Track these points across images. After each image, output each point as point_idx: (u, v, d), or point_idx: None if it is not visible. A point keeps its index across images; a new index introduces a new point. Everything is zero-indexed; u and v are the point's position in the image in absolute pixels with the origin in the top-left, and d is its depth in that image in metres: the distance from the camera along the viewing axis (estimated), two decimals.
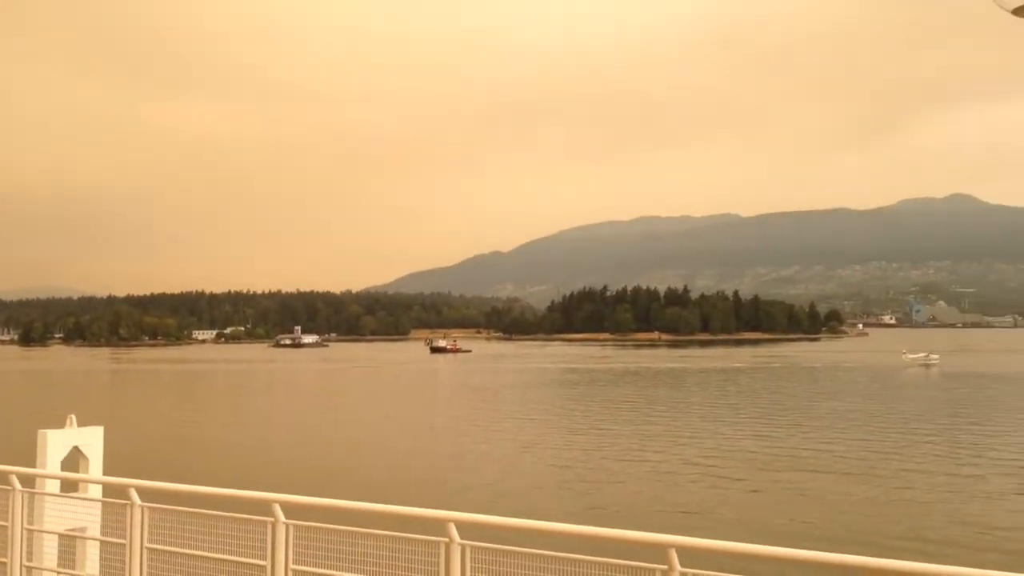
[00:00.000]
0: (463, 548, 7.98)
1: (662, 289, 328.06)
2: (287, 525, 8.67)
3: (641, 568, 7.16)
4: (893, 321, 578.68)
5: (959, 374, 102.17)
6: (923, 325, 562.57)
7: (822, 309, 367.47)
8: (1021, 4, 5.33)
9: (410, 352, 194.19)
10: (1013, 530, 25.04)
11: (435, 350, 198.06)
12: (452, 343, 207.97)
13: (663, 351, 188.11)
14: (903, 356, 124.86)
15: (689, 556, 7.01)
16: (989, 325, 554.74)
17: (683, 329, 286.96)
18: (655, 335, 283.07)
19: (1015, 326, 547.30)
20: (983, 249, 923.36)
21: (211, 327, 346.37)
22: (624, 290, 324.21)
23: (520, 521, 8.07)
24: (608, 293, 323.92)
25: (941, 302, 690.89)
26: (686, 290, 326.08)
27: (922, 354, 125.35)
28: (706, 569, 6.96)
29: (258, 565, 8.87)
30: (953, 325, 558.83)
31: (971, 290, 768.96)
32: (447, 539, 7.98)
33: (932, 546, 22.36)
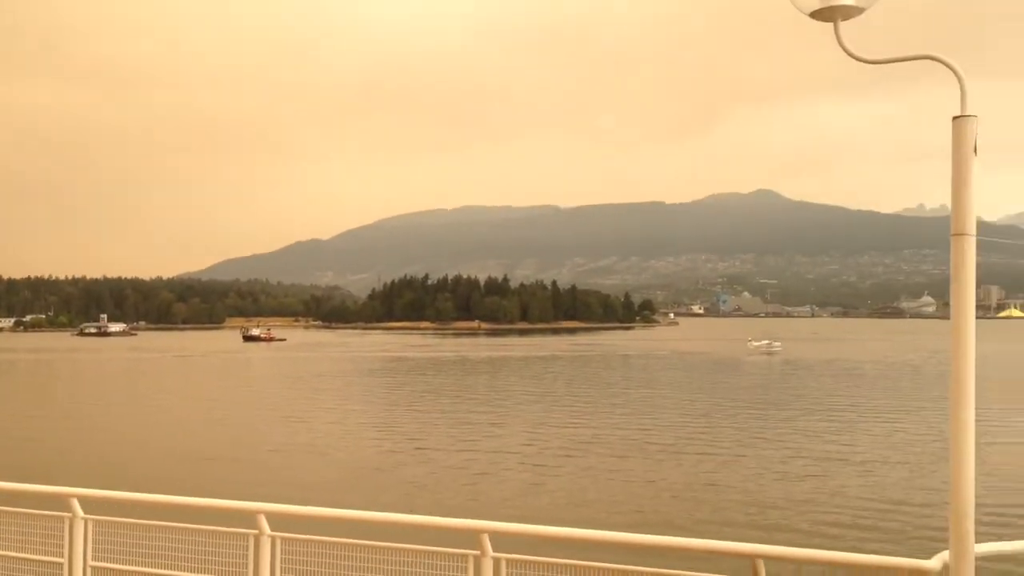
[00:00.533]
0: (273, 540, 7.94)
1: (483, 278, 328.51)
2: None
3: (454, 554, 7.35)
4: (702, 311, 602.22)
5: (797, 360, 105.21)
6: (729, 315, 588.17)
7: (636, 299, 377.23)
8: (818, 7, 5.59)
9: (224, 341, 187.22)
10: (800, 508, 25.55)
11: (248, 339, 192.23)
12: (266, 332, 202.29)
13: (483, 340, 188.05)
14: (748, 344, 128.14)
15: (501, 541, 7.23)
16: (789, 315, 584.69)
17: (503, 318, 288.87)
18: (475, 324, 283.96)
19: (812, 315, 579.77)
20: (785, 243, 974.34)
21: (9, 314, 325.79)
22: (445, 279, 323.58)
23: (333, 511, 8.17)
24: (429, 282, 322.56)
25: (746, 293, 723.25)
26: (506, 279, 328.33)
27: (765, 342, 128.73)
28: (517, 553, 7.03)
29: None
30: (757, 315, 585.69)
31: (773, 281, 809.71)
32: (256, 531, 7.84)
33: (731, 529, 22.57)
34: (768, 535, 21.58)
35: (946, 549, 5.83)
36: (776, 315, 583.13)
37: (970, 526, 5.63)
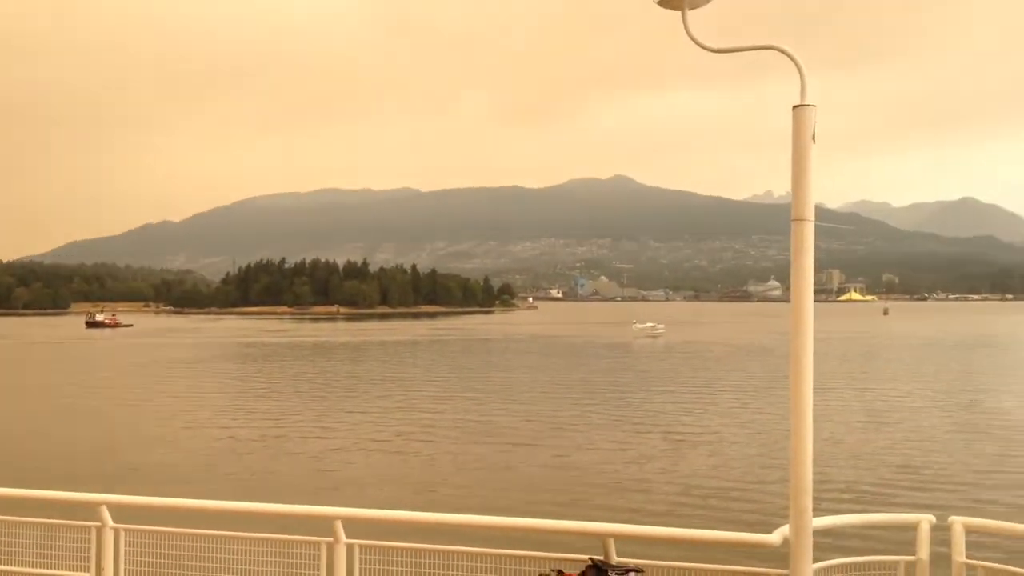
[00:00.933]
0: (116, 532, 7.74)
1: (341, 262, 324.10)
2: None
3: (307, 542, 7.34)
4: (560, 295, 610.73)
5: (680, 343, 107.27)
6: (587, 299, 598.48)
7: (496, 283, 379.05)
8: None
9: (68, 327, 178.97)
10: (652, 488, 26.07)
11: (91, 325, 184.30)
12: (111, 317, 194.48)
13: (342, 324, 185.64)
14: (632, 326, 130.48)
15: (355, 527, 7.29)
16: (645, 299, 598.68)
17: (362, 303, 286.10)
18: (334, 308, 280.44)
19: (667, 299, 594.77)
20: (640, 228, 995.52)
21: None
22: (303, 263, 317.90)
23: (179, 501, 7.96)
24: (286, 266, 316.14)
25: (603, 277, 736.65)
26: (365, 263, 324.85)
27: (649, 324, 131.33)
28: (371, 539, 7.14)
29: None
30: (614, 299, 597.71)
31: (629, 266, 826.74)
32: (99, 523, 7.66)
33: (584, 510, 22.83)
34: (619, 515, 22.01)
35: (787, 524, 6.04)
36: (632, 299, 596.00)
37: (808, 502, 5.85)
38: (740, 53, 5.89)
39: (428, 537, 7.42)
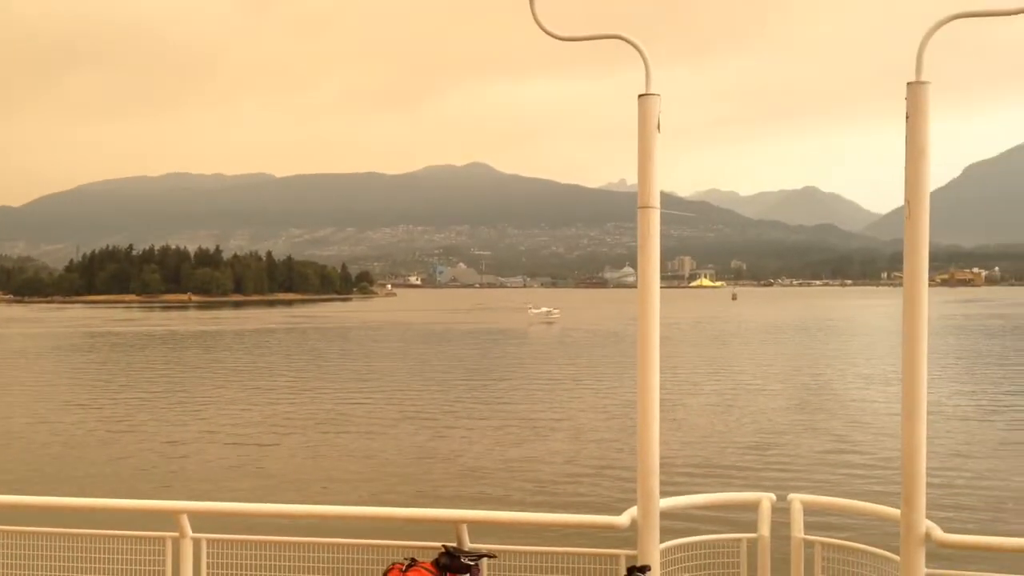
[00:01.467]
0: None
1: (193, 249, 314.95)
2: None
3: (151, 537, 7.15)
4: (419, 282, 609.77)
5: (575, 328, 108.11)
6: (445, 285, 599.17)
7: (353, 270, 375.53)
8: None
9: None
10: (508, 474, 26.19)
11: None
12: None
13: (194, 313, 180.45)
14: (528, 311, 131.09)
15: (201, 521, 7.14)
16: (503, 285, 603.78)
17: (215, 290, 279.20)
18: (186, 296, 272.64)
19: (525, 286, 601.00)
20: (498, 215, 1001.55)
21: None
22: (152, 249, 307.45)
23: (12, 498, 7.67)
24: (134, 252, 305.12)
25: (461, 264, 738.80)
26: (218, 250, 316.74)
27: (544, 309, 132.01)
28: (217, 532, 7.01)
29: None
30: (472, 285, 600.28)
31: (487, 253, 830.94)
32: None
33: (438, 497, 22.85)
34: (473, 502, 22.16)
35: (635, 506, 6.16)
36: (491, 285, 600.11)
37: (655, 483, 5.99)
38: (589, 42, 5.93)
39: (279, 529, 7.30)
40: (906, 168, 5.43)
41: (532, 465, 27.35)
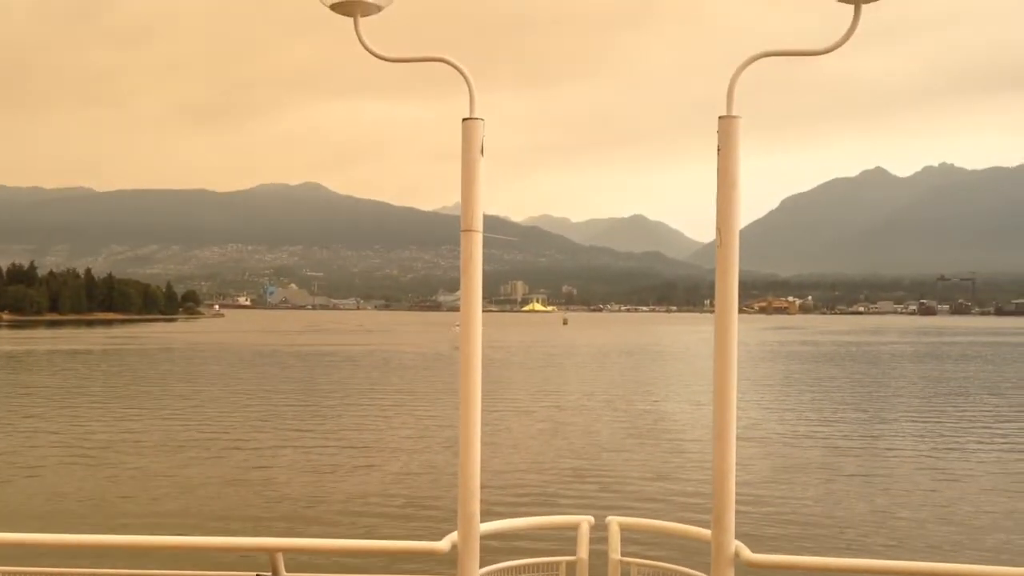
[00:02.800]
0: None
1: (5, 265, 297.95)
2: None
3: None
4: (248, 302, 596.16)
5: (403, 351, 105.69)
6: (276, 307, 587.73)
7: (180, 290, 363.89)
8: (338, 1, 5.59)
9: None
10: (328, 500, 25.73)
11: None
12: None
13: (5, 332, 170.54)
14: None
15: None
16: (336, 307, 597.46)
17: (29, 309, 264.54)
18: None
19: (358, 308, 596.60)
20: (331, 235, 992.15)
21: None
22: None
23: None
24: None
25: (293, 285, 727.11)
26: (33, 266, 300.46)
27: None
28: (14, 565, 6.54)
29: None
30: (304, 307, 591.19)
31: (320, 274, 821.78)
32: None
33: (254, 524, 22.41)
34: (290, 529, 21.66)
35: (456, 530, 6.13)
36: (324, 307, 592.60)
37: (475, 507, 5.96)
38: (424, 64, 5.92)
39: (91, 561, 6.87)
40: (718, 199, 5.63)
41: (353, 491, 26.91)
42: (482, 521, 6.10)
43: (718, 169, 5.57)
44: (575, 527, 6.77)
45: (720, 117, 5.50)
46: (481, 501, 6.00)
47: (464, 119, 5.76)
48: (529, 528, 7.25)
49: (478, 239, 5.85)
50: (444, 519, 21.44)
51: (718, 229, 5.68)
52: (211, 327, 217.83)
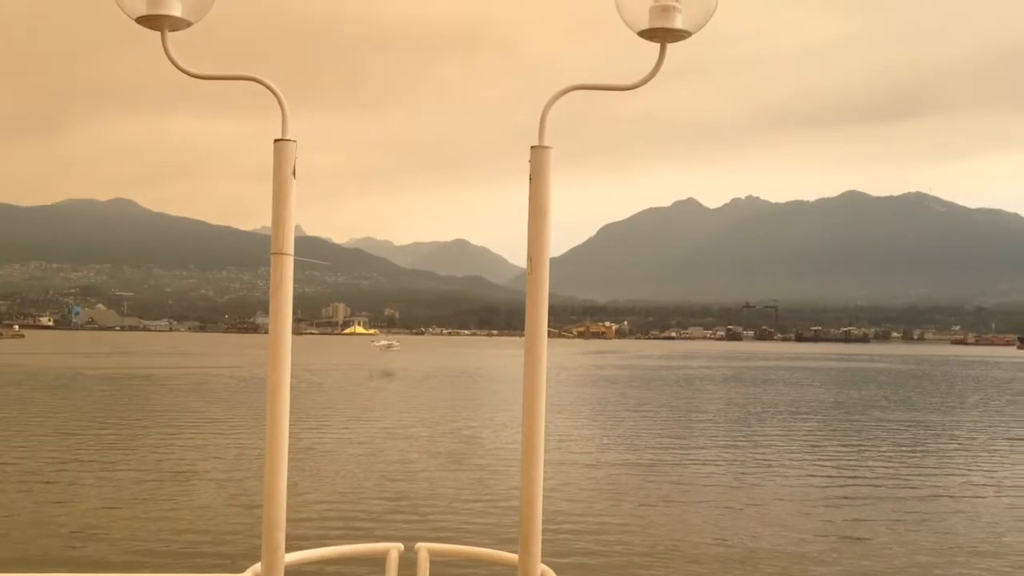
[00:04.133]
0: None
1: None
2: None
3: None
4: (51, 323, 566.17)
5: (219, 375, 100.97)
6: (82, 327, 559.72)
7: None
8: (145, 13, 5.29)
9: None
10: (123, 531, 24.68)
11: None
12: None
13: None
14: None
15: None
16: (147, 328, 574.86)
17: None
18: None
19: (171, 329, 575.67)
20: (143, 254, 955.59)
21: None
22: None
23: None
24: None
25: (101, 305, 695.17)
26: None
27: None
28: None
29: None
30: (113, 328, 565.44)
31: (130, 294, 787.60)
32: None
33: (47, 558, 21.35)
34: (88, 563, 20.70)
35: (259, 562, 5.94)
36: (134, 328, 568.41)
37: (280, 537, 5.78)
38: (241, 83, 5.77)
39: None
40: (529, 227, 5.69)
41: (155, 522, 25.74)
42: (288, 551, 5.94)
43: (529, 198, 5.63)
44: (384, 555, 6.68)
45: (532, 147, 5.57)
46: (288, 531, 5.85)
47: (276, 140, 5.64)
48: (337, 557, 7.10)
49: (289, 263, 5.72)
50: (249, 551, 20.73)
51: (529, 257, 5.74)
52: (9, 348, 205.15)
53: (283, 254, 5.67)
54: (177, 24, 5.55)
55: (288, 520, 5.81)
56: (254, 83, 5.75)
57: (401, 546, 6.77)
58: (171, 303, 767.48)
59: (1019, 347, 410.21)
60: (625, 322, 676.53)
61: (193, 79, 5.78)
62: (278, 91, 5.59)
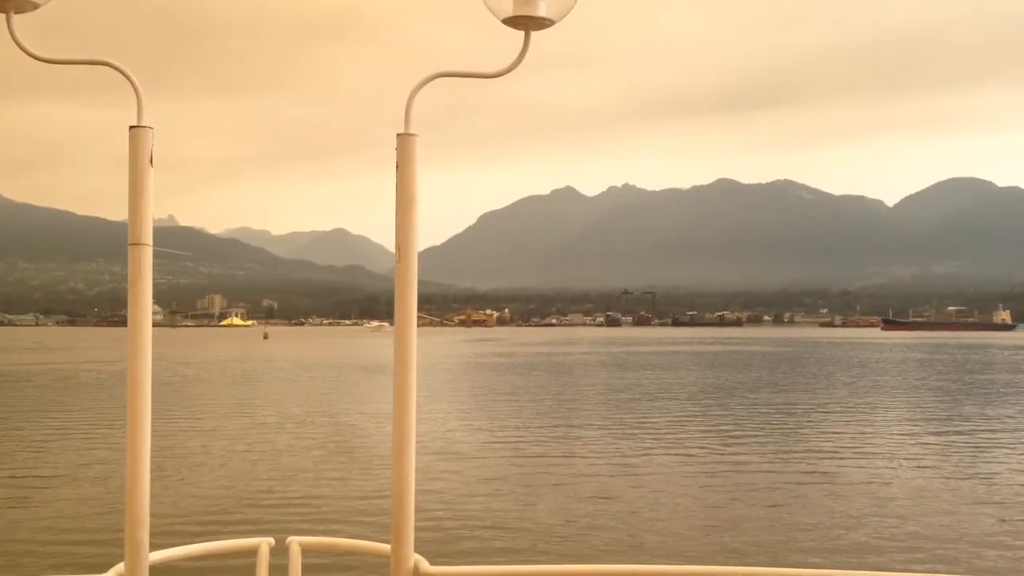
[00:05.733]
0: None
1: None
2: None
3: None
4: None
5: (86, 369, 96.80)
6: None
7: None
8: None
9: None
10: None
11: None
12: None
13: None
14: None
15: None
16: (12, 323, 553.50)
17: None
18: None
19: (37, 324, 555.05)
20: (6, 246, 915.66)
21: None
22: None
23: None
24: None
25: None
26: None
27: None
28: None
29: None
30: None
31: None
32: None
33: None
34: None
35: (123, 561, 5.77)
36: (0, 323, 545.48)
37: (144, 535, 5.62)
38: (96, 67, 5.54)
39: None
40: (396, 216, 5.62)
41: (15, 523, 24.79)
42: (153, 550, 5.78)
43: (396, 186, 5.56)
44: (254, 550, 6.55)
45: (398, 135, 5.52)
46: (154, 529, 5.67)
47: (131, 127, 5.43)
48: (205, 553, 6.92)
49: (148, 253, 5.52)
50: (115, 551, 20.39)
51: (397, 246, 5.68)
52: None
53: (141, 244, 5.48)
54: (24, 6, 5.26)
55: (154, 517, 5.62)
56: (111, 69, 5.55)
57: (272, 540, 6.63)
58: (38, 296, 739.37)
59: (883, 328, 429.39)
60: (506, 310, 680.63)
61: (44, 64, 5.53)
62: (132, 76, 5.36)
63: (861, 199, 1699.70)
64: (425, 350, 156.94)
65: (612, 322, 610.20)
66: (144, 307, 5.56)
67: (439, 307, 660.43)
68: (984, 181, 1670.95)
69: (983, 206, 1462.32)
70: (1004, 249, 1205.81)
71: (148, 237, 5.53)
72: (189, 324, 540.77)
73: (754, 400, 63.95)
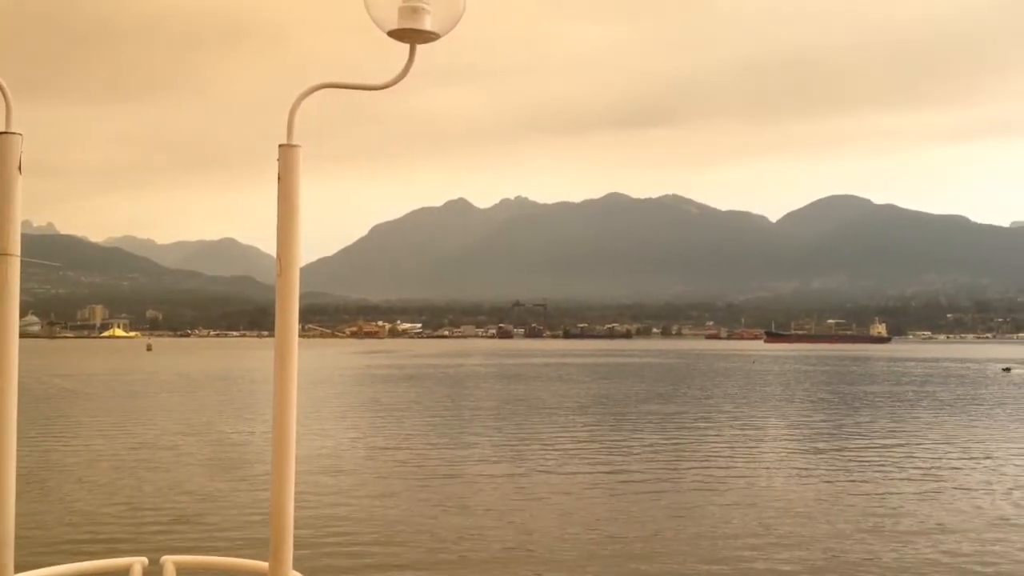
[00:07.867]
0: None
1: None
2: None
3: None
4: None
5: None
6: None
7: None
8: None
9: None
10: None
11: None
12: None
13: None
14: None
15: None
16: None
17: None
18: None
19: None
20: None
21: None
22: None
23: None
24: None
25: None
26: None
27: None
28: None
29: None
30: None
31: None
32: None
33: None
34: None
35: None
36: None
37: (9, 557, 5.43)
38: None
39: None
40: (278, 228, 5.53)
41: None
42: (18, 571, 5.56)
43: (278, 197, 5.49)
44: (127, 570, 6.36)
45: (280, 145, 5.46)
46: (19, 549, 5.46)
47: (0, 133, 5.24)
48: (74, 574, 6.70)
49: (15, 263, 5.33)
50: None
51: (278, 257, 5.61)
52: None
53: (8, 255, 5.29)
54: None
55: (23, 537, 5.40)
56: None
57: (145, 560, 6.42)
58: None
59: (766, 340, 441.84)
60: (398, 321, 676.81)
61: None
62: (2, 83, 5.21)
63: (746, 215, 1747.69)
64: (316, 362, 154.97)
65: (504, 334, 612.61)
66: (12, 319, 5.34)
67: (331, 318, 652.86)
68: (862, 199, 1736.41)
69: (861, 223, 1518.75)
70: (880, 265, 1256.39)
71: (15, 247, 5.31)
72: (68, 335, 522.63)
73: (644, 411, 64.86)
